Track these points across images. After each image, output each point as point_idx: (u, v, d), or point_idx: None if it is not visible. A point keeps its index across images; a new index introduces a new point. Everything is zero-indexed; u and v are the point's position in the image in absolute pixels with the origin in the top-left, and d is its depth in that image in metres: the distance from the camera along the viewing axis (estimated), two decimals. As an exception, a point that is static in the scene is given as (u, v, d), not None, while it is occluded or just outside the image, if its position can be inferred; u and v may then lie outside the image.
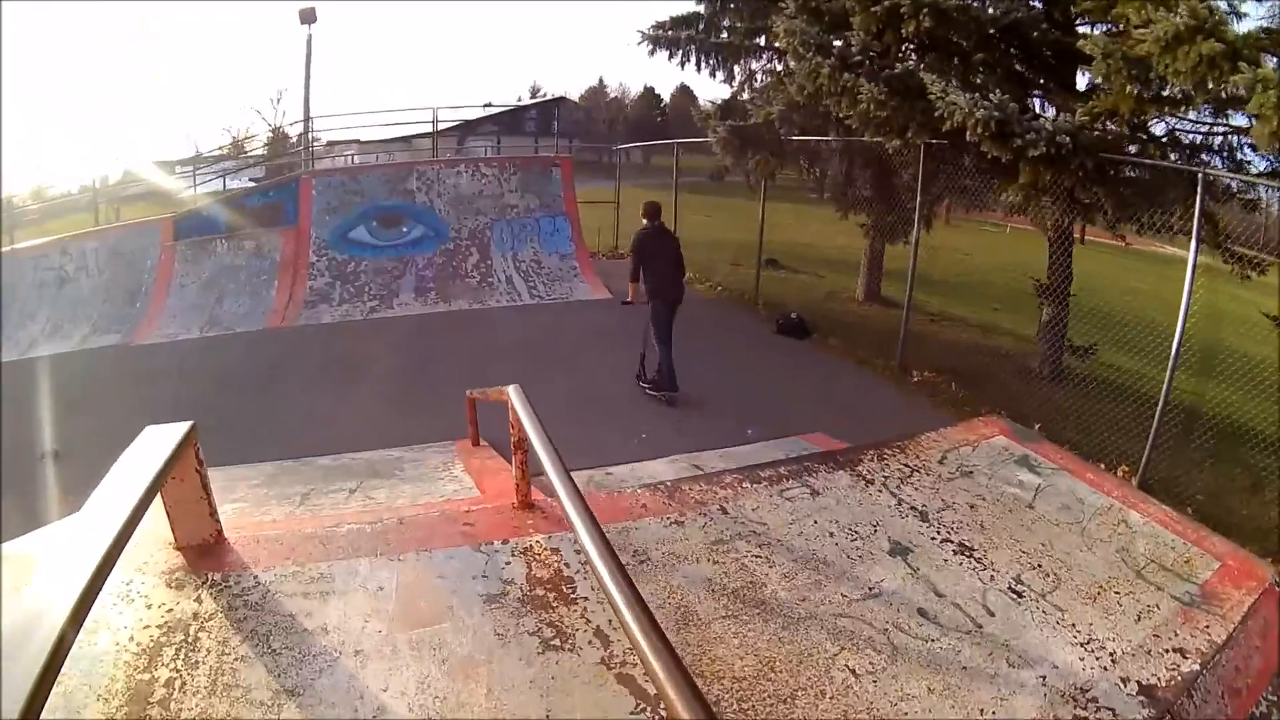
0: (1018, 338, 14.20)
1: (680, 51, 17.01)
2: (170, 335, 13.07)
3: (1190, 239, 8.20)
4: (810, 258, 20.46)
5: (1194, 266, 8.21)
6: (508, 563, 3.45)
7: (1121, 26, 8.91)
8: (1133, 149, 9.61)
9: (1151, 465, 8.76)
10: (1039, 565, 4.33)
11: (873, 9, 10.23)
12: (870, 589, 3.88)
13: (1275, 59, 7.86)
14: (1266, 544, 8.13)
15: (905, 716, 3.16)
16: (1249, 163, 9.79)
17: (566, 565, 3.49)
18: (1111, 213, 9.71)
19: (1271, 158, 8.77)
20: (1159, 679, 3.73)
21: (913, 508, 4.77)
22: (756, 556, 3.93)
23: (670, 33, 17.02)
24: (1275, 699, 4.07)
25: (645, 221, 9.99)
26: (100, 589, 2.06)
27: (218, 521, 3.32)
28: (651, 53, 17.37)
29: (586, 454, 7.10)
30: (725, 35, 16.92)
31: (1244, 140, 9.41)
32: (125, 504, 2.45)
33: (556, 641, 3.08)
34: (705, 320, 13.51)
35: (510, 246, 16.00)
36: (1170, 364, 8.43)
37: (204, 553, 3.24)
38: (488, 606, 3.18)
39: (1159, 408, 8.46)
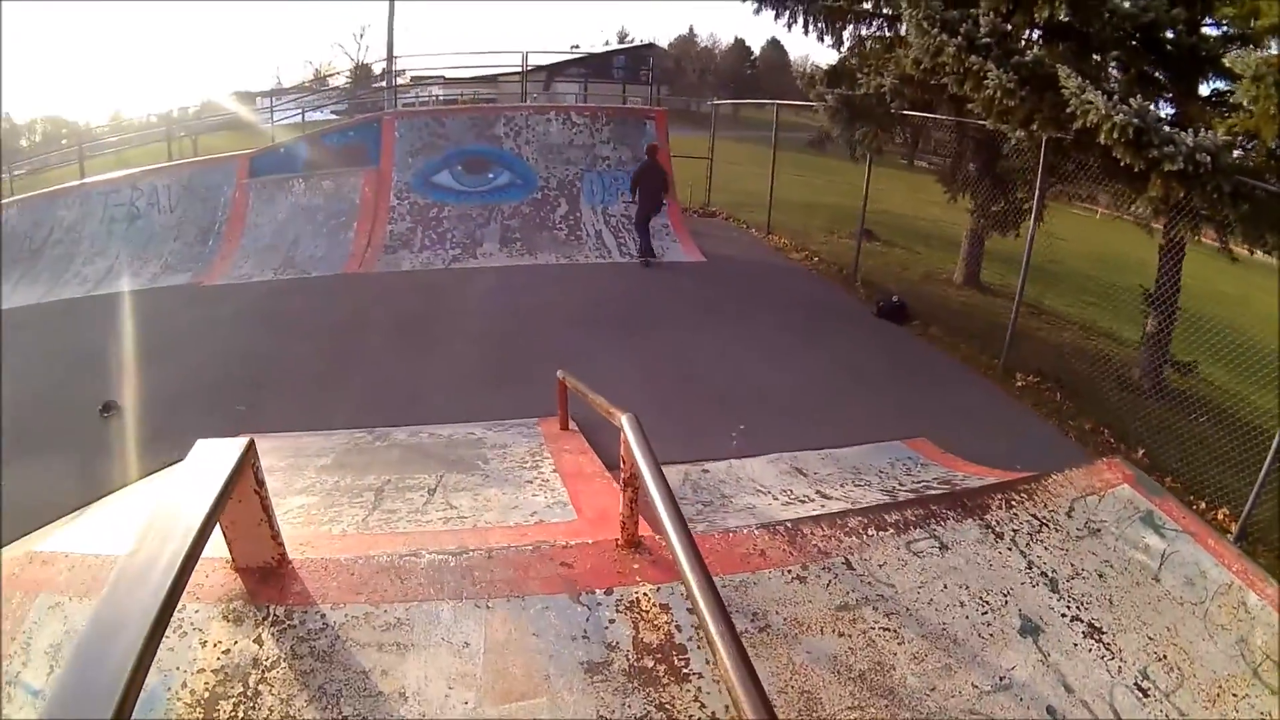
0: (1117, 341, 13.62)
1: (788, 12, 16.28)
2: (243, 276, 12.92)
3: None
4: (906, 230, 19.82)
5: None
6: (612, 620, 3.07)
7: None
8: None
9: (1256, 508, 8.20)
10: (1164, 656, 4.02)
11: (1009, -11, 9.70)
12: (1001, 679, 3.60)
13: None
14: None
15: None
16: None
17: (678, 629, 3.11)
18: (1241, 236, 9.19)
19: None
20: None
21: (1043, 573, 4.45)
22: (885, 629, 3.60)
23: (780, -7, 16.34)
24: None
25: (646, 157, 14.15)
26: (156, 650, 1.83)
27: (281, 544, 2.97)
28: (757, 11, 16.74)
29: (681, 443, 6.82)
30: (834, -2, 16.24)
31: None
32: (180, 547, 2.14)
33: (666, 732, 2.74)
34: (805, 296, 13.19)
35: (601, 199, 15.60)
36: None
37: (265, 578, 2.91)
38: (590, 679, 2.82)
39: (1276, 443, 7.83)
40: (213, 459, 2.64)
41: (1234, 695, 3.94)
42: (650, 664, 2.92)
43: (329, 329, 10.08)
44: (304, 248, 13.66)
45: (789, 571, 3.68)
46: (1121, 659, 3.93)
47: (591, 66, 50.17)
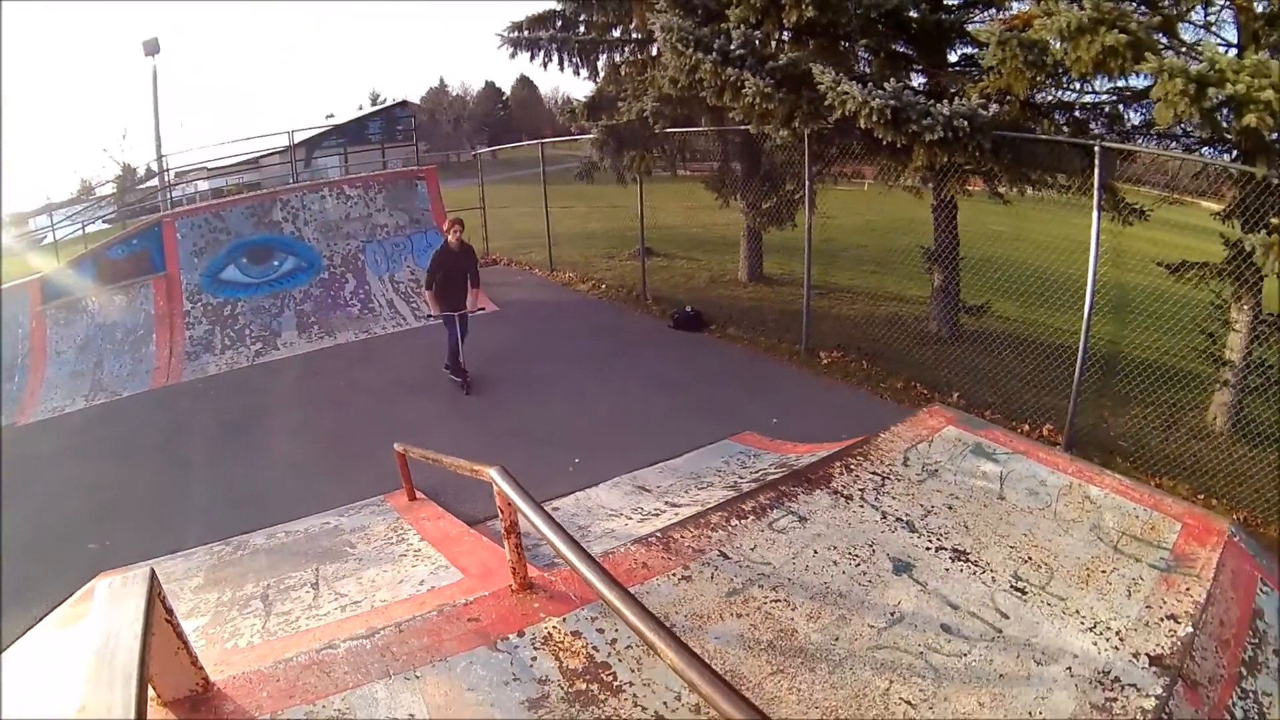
0: (907, 301, 14.42)
1: (541, 51, 16.82)
2: (56, 409, 12.20)
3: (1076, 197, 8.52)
4: (684, 240, 20.37)
5: (1098, 232, 8.52)
6: (534, 658, 3.26)
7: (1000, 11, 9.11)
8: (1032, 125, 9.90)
9: (1075, 418, 9.00)
10: (1029, 558, 4.48)
11: (752, 0, 10.26)
12: (892, 614, 3.96)
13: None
14: (1196, 482, 8.47)
15: None
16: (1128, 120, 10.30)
17: (595, 649, 3.35)
18: (1006, 184, 10.00)
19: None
20: (1163, 648, 3.94)
21: (898, 519, 4.89)
22: (775, 601, 3.92)
23: (529, 34, 16.80)
24: (1255, 642, 4.29)
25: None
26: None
27: (201, 668, 2.99)
28: (513, 55, 17.21)
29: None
30: (584, 30, 16.78)
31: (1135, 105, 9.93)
32: (126, 698, 2.18)
33: (621, 741, 2.94)
34: (601, 325, 13.49)
35: (386, 268, 15.55)
36: (1085, 317, 8.65)
37: (196, 706, 2.93)
38: (534, 714, 3.00)
39: (1079, 360, 8.69)
40: (121, 596, 2.66)
41: (1102, 572, 4.44)
42: (583, 686, 3.11)
43: (155, 447, 9.72)
44: (109, 368, 13.02)
45: (674, 575, 3.94)
46: (992, 570, 4.37)
47: (348, 134, 49.63)
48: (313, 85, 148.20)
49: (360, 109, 68.73)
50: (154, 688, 2.88)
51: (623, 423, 8.83)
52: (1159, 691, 3.60)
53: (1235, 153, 8.70)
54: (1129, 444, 9.09)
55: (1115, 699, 3.54)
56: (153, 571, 2.83)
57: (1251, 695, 3.94)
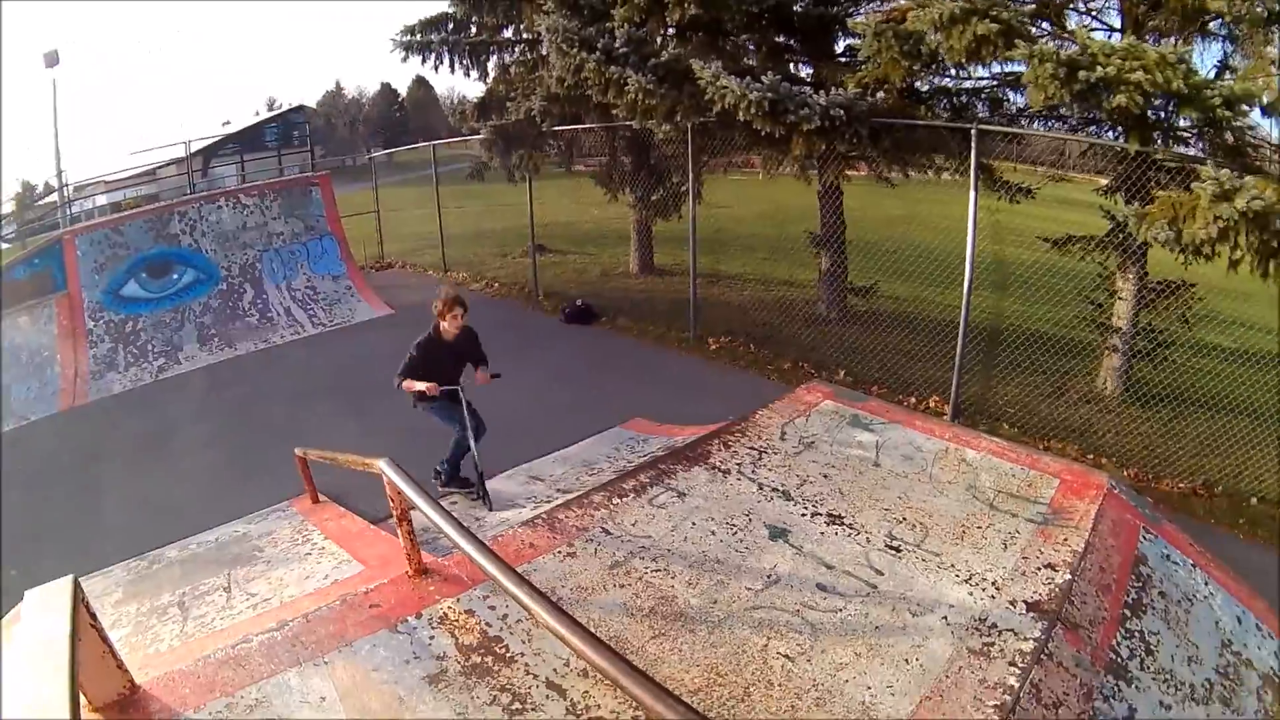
0: (796, 285, 14.66)
1: (433, 54, 16.82)
2: (-36, 436, 11.97)
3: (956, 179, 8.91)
4: (575, 235, 20.62)
5: (975, 211, 8.95)
6: (432, 637, 3.47)
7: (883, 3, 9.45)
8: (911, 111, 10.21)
9: (961, 389, 9.43)
10: (904, 519, 4.71)
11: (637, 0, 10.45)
12: (768, 576, 4.16)
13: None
14: (1086, 443, 8.93)
15: (848, 682, 3.44)
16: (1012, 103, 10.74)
17: (488, 625, 3.56)
18: (887, 169, 10.39)
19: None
20: (1040, 594, 4.13)
21: (774, 489, 5.10)
22: (656, 571, 4.13)
23: (420, 37, 16.79)
24: (1139, 586, 4.57)
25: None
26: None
27: (127, 671, 3.16)
28: (405, 59, 17.20)
29: (427, 486, 7.02)
30: (475, 32, 16.83)
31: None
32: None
33: (517, 705, 3.15)
34: (495, 322, 13.39)
35: (283, 276, 15.49)
36: (965, 292, 9.04)
37: (125, 708, 3.09)
38: (436, 689, 3.20)
39: (960, 334, 9.12)
40: (48, 605, 2.84)
41: (978, 528, 4.71)
42: (479, 659, 3.34)
43: (67, 469, 9.62)
44: (17, 393, 12.71)
45: (559, 552, 4.19)
46: (867, 531, 4.63)
47: (245, 141, 48.69)
48: (210, 93, 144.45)
49: (257, 115, 67.58)
50: (84, 694, 2.98)
51: (517, 417, 8.93)
52: (1037, 634, 3.79)
53: (1118, 131, 9.09)
54: (1016, 411, 9.49)
55: (993, 643, 3.73)
56: (76, 579, 3.00)
57: (1138, 635, 4.15)
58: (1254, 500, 8.27)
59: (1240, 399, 9.70)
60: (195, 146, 29.47)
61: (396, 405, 9.60)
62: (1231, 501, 8.26)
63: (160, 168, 29.79)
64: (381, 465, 4.00)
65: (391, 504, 4.03)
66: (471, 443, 7.31)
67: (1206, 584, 5.07)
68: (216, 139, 46.35)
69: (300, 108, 60.85)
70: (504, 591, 2.91)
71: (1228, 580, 5.27)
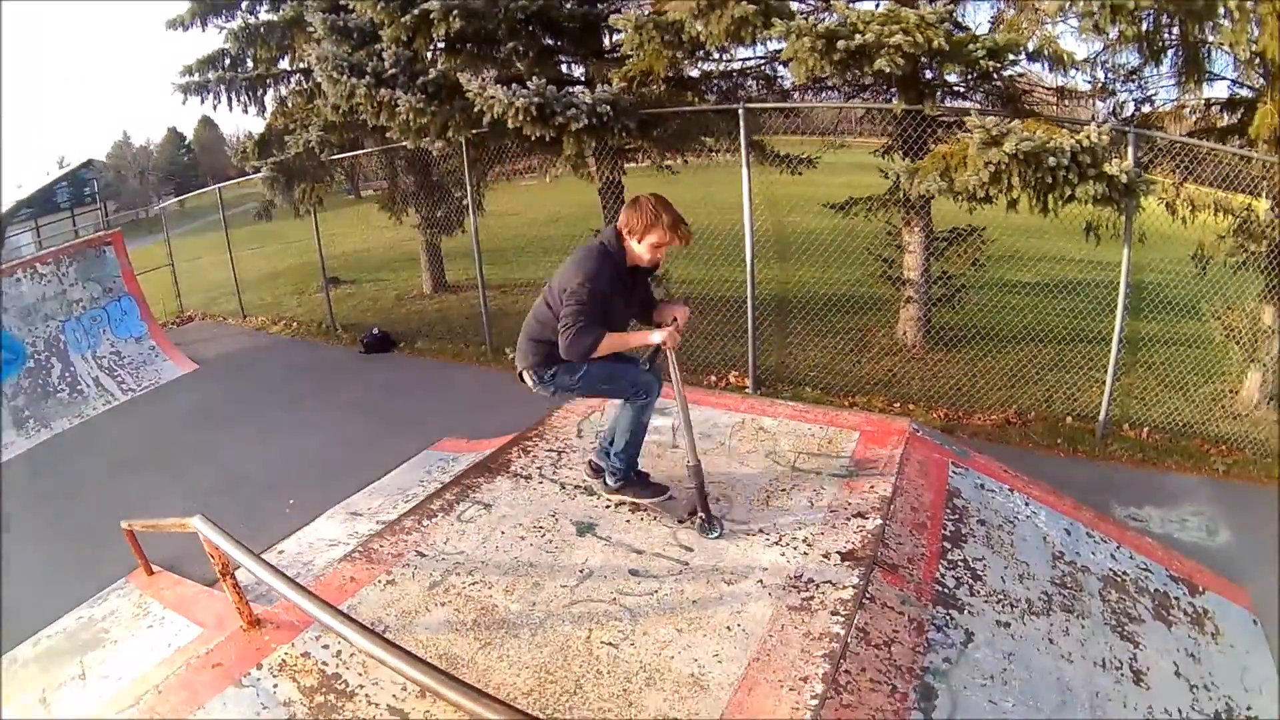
0: (586, 282, 14.76)
1: (211, 94, 16.52)
2: None
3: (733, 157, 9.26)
4: (369, 263, 20.34)
5: (749, 186, 9.36)
6: (275, 685, 3.58)
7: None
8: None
9: (759, 361, 9.81)
10: (708, 493, 4.88)
11: (402, 19, 10.46)
12: (581, 571, 4.39)
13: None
14: (893, 392, 9.41)
15: (674, 658, 3.65)
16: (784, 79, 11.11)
17: (324, 664, 3.69)
18: (659, 156, 10.73)
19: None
20: (854, 543, 4.42)
21: (577, 486, 5.36)
22: (473, 584, 4.32)
23: (199, 77, 16.46)
24: (956, 517, 4.95)
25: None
26: None
27: None
28: (184, 101, 16.76)
29: (250, 540, 6.95)
30: (252, 66, 16.56)
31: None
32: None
33: (364, 738, 3.26)
34: (295, 363, 13.56)
35: (87, 345, 14.63)
36: (749, 266, 9.45)
37: None
38: (289, 735, 3.29)
39: (749, 307, 9.49)
40: None
41: (782, 490, 5.05)
42: (322, 698, 3.49)
43: None
44: None
45: (380, 581, 4.35)
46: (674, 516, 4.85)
47: (38, 204, 46.52)
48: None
49: (48, 175, 64.50)
50: None
51: (329, 455, 8.98)
52: (855, 581, 4.05)
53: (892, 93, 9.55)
54: (820, 373, 9.93)
55: (812, 597, 3.98)
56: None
57: (962, 564, 4.49)
58: (1069, 419, 8.81)
59: (1045, 327, 10.39)
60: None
61: (211, 459, 9.50)
62: (1047, 424, 8.78)
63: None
64: (195, 524, 4.01)
65: (212, 561, 4.07)
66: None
67: (1027, 504, 5.46)
68: (9, 206, 44.22)
69: (89, 163, 58.39)
70: (332, 632, 3.07)
71: (1049, 497, 5.70)
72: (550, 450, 5.92)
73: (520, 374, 5.26)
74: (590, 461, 5.51)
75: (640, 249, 4.88)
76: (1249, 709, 4.29)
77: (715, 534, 4.74)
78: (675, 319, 5.09)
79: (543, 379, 5.12)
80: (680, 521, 4.88)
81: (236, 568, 3.96)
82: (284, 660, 3.73)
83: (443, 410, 9.91)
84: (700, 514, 4.82)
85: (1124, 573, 5.17)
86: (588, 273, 4.80)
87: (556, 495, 5.27)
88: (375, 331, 13.60)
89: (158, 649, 4.94)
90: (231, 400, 11.79)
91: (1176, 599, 5.11)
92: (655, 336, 4.92)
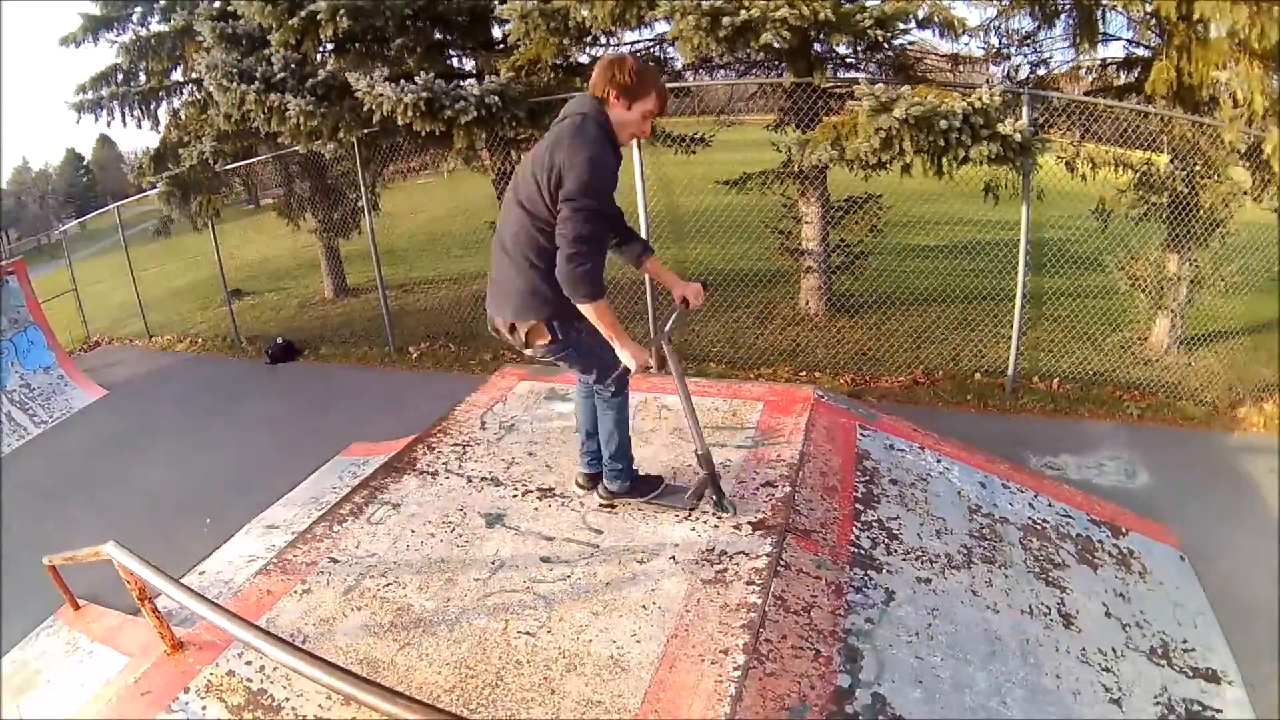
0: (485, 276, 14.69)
1: (105, 110, 16.18)
2: None
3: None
4: (271, 272, 20.11)
5: (641, 167, 9.39)
6: (204, 706, 3.62)
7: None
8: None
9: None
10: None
11: (290, 21, 10.42)
12: (493, 563, 4.44)
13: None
14: (799, 361, 9.54)
15: (592, 642, 3.73)
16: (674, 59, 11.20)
17: (249, 680, 3.73)
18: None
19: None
20: (764, 512, 4.51)
21: (484, 478, 5.41)
22: (387, 586, 4.37)
23: (92, 94, 16.10)
24: (866, 479, 5.07)
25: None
26: None
27: None
28: (79, 120, 16.51)
29: (169, 565, 6.93)
30: (145, 79, 16.26)
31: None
32: None
33: (295, 751, 3.32)
34: (202, 380, 13.39)
35: (-6, 380, 14.51)
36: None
37: None
38: (221, 756, 3.33)
39: (648, 288, 9.65)
40: None
41: (688, 466, 5.08)
42: (250, 715, 3.52)
43: None
44: None
45: (296, 592, 4.37)
46: (580, 498, 4.97)
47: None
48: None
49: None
50: None
51: (242, 470, 8.90)
52: (768, 550, 4.13)
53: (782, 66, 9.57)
54: (724, 347, 10.04)
55: (726, 569, 4.05)
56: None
57: (876, 524, 4.61)
58: (977, 375, 9.01)
59: (948, 289, 10.63)
60: None
61: (124, 484, 9.38)
62: (955, 382, 8.96)
63: None
64: (108, 550, 3.99)
65: (129, 586, 4.07)
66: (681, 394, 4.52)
67: (939, 461, 5.60)
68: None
69: (-12, 191, 57.08)
70: (250, 647, 3.14)
71: (961, 453, 5.86)
72: (455, 445, 5.95)
73: (518, 331, 4.08)
74: (578, 477, 5.04)
75: (631, 117, 3.91)
76: (1184, 642, 4.45)
77: (731, 513, 4.51)
78: (686, 299, 4.64)
79: (565, 332, 4.06)
80: (690, 510, 4.67)
81: (157, 594, 3.98)
82: (209, 681, 3.75)
83: (351, 414, 9.90)
84: (713, 495, 4.58)
85: (1044, 520, 5.33)
86: (593, 156, 3.68)
87: (463, 489, 5.30)
88: (279, 341, 13.46)
89: (89, 684, 4.94)
90: (142, 424, 11.61)
91: (1100, 542, 5.28)
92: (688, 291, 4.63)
